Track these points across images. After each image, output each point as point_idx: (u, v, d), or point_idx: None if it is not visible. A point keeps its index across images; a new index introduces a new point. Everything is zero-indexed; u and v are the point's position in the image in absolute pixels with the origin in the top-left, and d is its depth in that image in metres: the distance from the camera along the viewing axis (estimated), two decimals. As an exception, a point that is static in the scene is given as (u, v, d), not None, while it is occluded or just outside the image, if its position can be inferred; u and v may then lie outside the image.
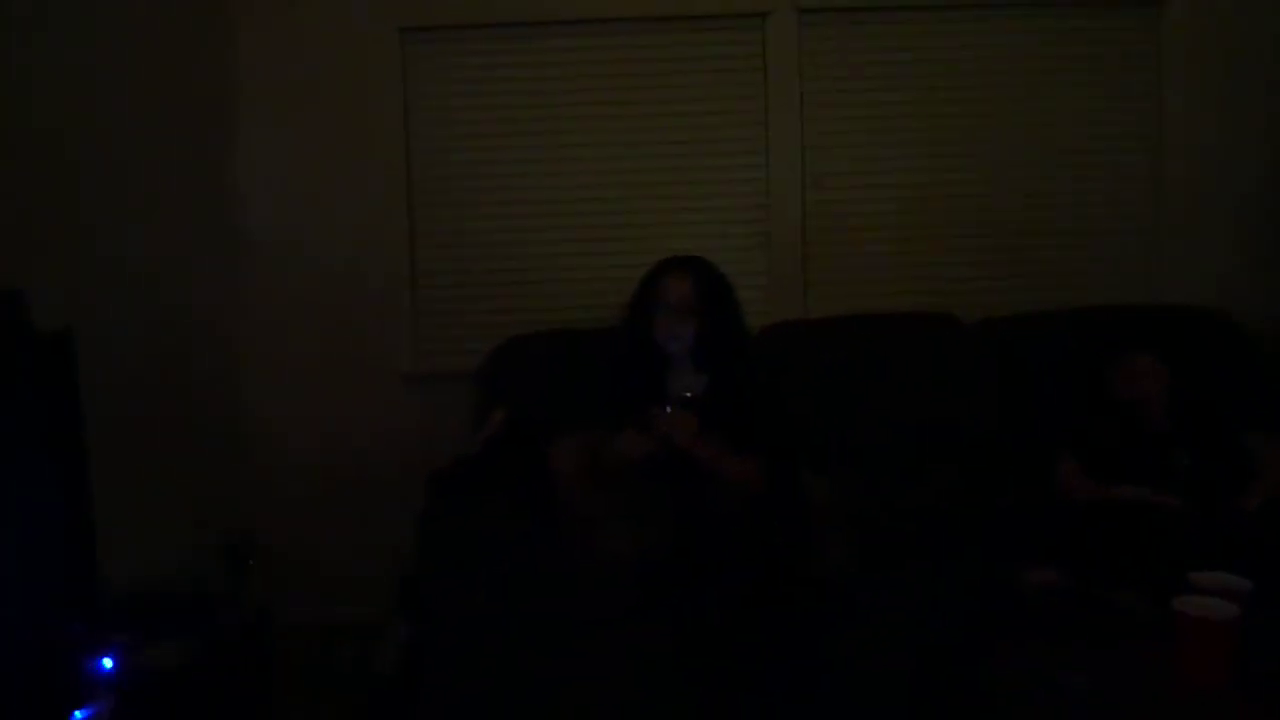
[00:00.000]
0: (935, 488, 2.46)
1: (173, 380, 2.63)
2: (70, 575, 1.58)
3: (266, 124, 2.86)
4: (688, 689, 1.76)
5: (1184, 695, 1.38)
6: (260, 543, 2.63)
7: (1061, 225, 2.92)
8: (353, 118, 2.86)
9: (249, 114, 2.86)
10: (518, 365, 2.66)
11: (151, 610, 1.87)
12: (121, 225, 2.36)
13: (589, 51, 2.87)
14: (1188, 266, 2.84)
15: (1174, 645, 1.40)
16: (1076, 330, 2.66)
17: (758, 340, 2.59)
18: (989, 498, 2.40)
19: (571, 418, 2.34)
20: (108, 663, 1.57)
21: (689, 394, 2.19)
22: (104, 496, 1.76)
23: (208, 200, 2.80)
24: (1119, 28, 2.87)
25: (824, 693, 1.74)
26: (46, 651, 1.42)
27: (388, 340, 2.90)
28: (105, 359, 1.88)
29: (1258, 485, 2.19)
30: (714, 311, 2.25)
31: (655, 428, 2.07)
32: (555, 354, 2.66)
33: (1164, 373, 2.39)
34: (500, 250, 2.91)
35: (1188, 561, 1.64)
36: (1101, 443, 2.40)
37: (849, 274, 2.93)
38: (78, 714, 1.45)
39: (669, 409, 2.08)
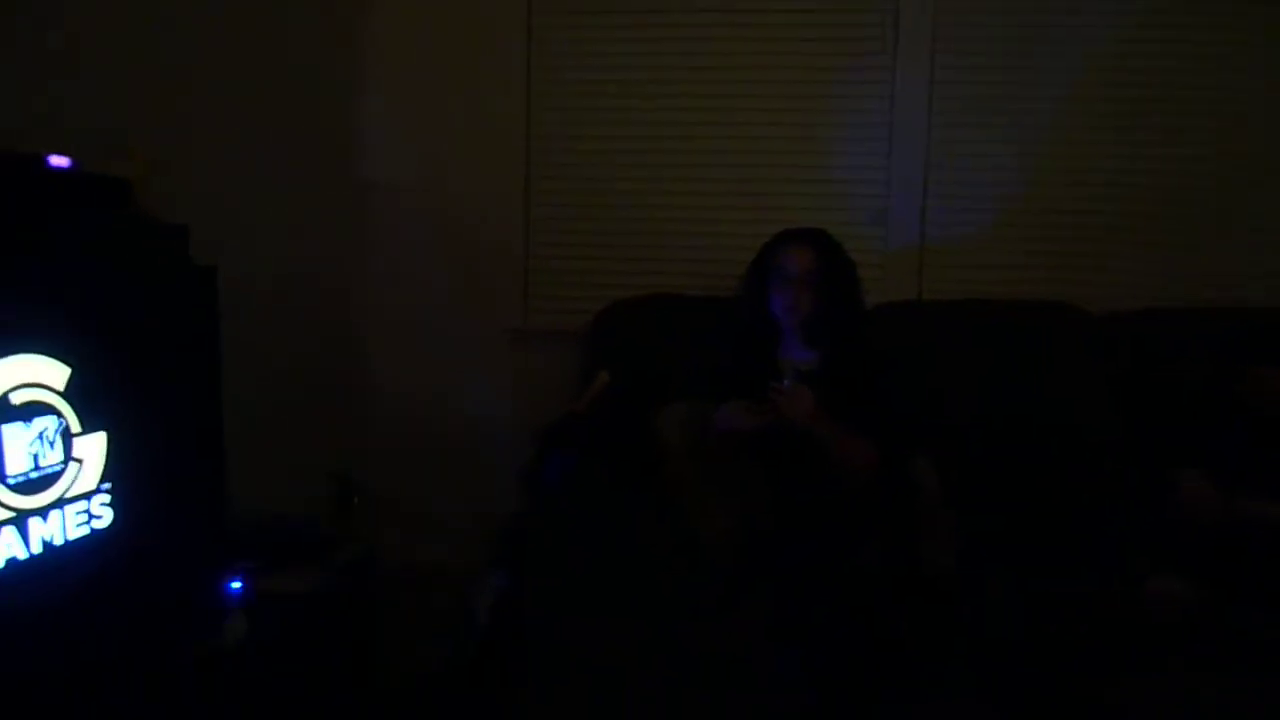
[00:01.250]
0: (1045, 486, 2.38)
1: (295, 323, 2.72)
2: (205, 499, 1.64)
3: (394, 84, 2.90)
4: (785, 677, 1.74)
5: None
6: (367, 485, 2.71)
7: (1208, 218, 2.76)
8: (477, 82, 2.88)
9: (377, 72, 2.90)
10: (624, 328, 2.66)
11: (273, 540, 1.95)
12: (261, 176, 2.43)
13: (711, 27, 2.82)
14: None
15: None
16: (1214, 330, 2.51)
17: (869, 319, 2.54)
18: (1103, 500, 2.31)
19: (677, 385, 2.33)
20: (238, 585, 1.64)
21: (802, 369, 2.15)
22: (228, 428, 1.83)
23: (335, 156, 2.88)
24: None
25: (926, 688, 1.70)
26: (187, 569, 1.49)
27: (500, 296, 2.93)
28: (236, 297, 1.95)
29: None
30: (833, 286, 2.20)
31: (771, 402, 2.03)
32: (661, 318, 2.65)
33: None
34: (615, 213, 2.90)
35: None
36: (1235, 454, 2.27)
37: (969, 257, 2.83)
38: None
39: (786, 383, 2.05)
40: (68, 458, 1.40)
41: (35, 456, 1.34)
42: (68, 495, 1.40)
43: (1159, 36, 2.72)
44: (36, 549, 1.34)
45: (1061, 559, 2.10)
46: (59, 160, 1.21)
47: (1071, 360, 2.55)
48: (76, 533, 1.42)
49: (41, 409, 1.34)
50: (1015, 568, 2.05)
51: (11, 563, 1.29)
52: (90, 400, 1.40)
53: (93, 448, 1.45)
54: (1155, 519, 2.19)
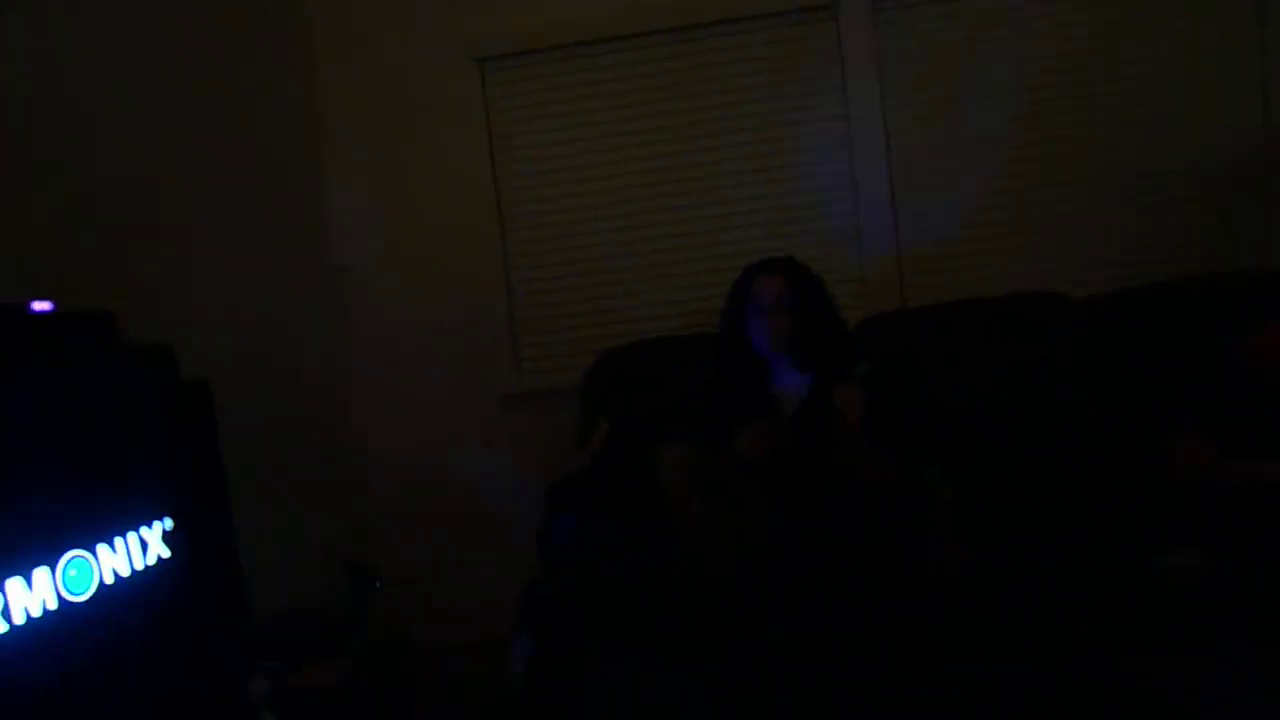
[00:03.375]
0: (1050, 473, 2.39)
1: (291, 418, 2.75)
2: (227, 604, 1.67)
3: (355, 157, 2.97)
4: (799, 696, 1.75)
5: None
6: (381, 566, 2.73)
7: (1168, 194, 2.80)
8: (438, 148, 2.95)
9: (336, 149, 2.97)
10: (617, 377, 2.69)
11: (297, 633, 1.96)
12: (223, 269, 2.46)
13: (664, 61, 2.90)
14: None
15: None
16: (1192, 301, 2.54)
17: (857, 335, 2.57)
18: (1108, 484, 2.32)
19: (675, 427, 2.36)
20: (264, 685, 1.66)
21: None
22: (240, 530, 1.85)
23: (302, 236, 2.92)
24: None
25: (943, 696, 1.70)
26: (215, 673, 1.51)
27: (491, 362, 2.97)
28: (231, 402, 1.98)
29: None
30: (808, 308, 2.24)
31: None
32: (652, 363, 2.68)
33: None
34: (593, 265, 2.95)
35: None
36: (1228, 416, 2.28)
37: (947, 262, 2.87)
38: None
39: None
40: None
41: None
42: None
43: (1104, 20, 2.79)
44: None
45: (1074, 542, 2.10)
46: (40, 305, 1.25)
47: (1060, 346, 2.57)
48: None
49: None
50: (1030, 558, 2.06)
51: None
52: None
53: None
54: (1159, 490, 2.20)
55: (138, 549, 1.46)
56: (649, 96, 2.90)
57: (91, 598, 1.36)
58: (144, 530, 1.49)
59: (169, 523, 1.53)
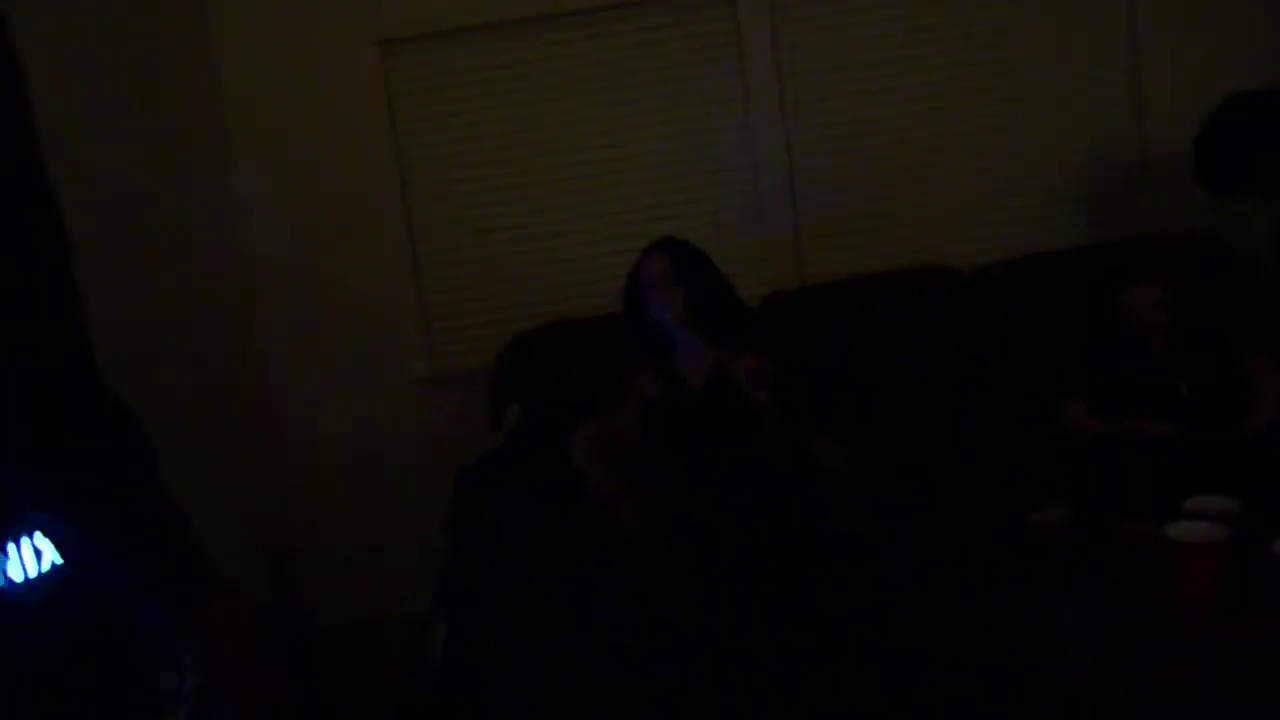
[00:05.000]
0: (943, 442, 2.53)
1: (206, 400, 2.74)
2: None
3: (260, 144, 2.94)
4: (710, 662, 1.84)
5: (1179, 622, 1.44)
6: (305, 552, 2.75)
7: (1047, 169, 2.94)
8: (342, 133, 2.94)
9: (241, 135, 2.94)
10: (528, 360, 2.74)
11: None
12: (138, 264, 2.44)
13: (567, 44, 2.92)
14: (1175, 194, 2.84)
15: (1167, 571, 1.46)
16: (1074, 269, 2.69)
17: (758, 310, 2.67)
18: (996, 444, 2.47)
19: (585, 405, 2.43)
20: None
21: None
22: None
23: (213, 227, 2.89)
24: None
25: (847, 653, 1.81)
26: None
27: (402, 346, 2.99)
28: (140, 389, 1.98)
29: (1259, 405, 2.22)
30: (697, 279, 2.34)
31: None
32: (563, 344, 2.74)
33: (1167, 303, 2.40)
34: (503, 248, 2.99)
35: (1188, 488, 1.69)
36: (1105, 377, 2.44)
37: (843, 239, 2.97)
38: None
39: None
40: None
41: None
42: None
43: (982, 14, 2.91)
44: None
45: (961, 500, 2.24)
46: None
47: (951, 318, 2.71)
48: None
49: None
50: (918, 518, 2.18)
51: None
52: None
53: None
54: (1043, 447, 2.36)
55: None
56: (554, 80, 2.93)
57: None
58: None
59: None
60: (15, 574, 0.81)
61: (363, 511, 2.98)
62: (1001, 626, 1.52)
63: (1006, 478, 2.29)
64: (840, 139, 2.94)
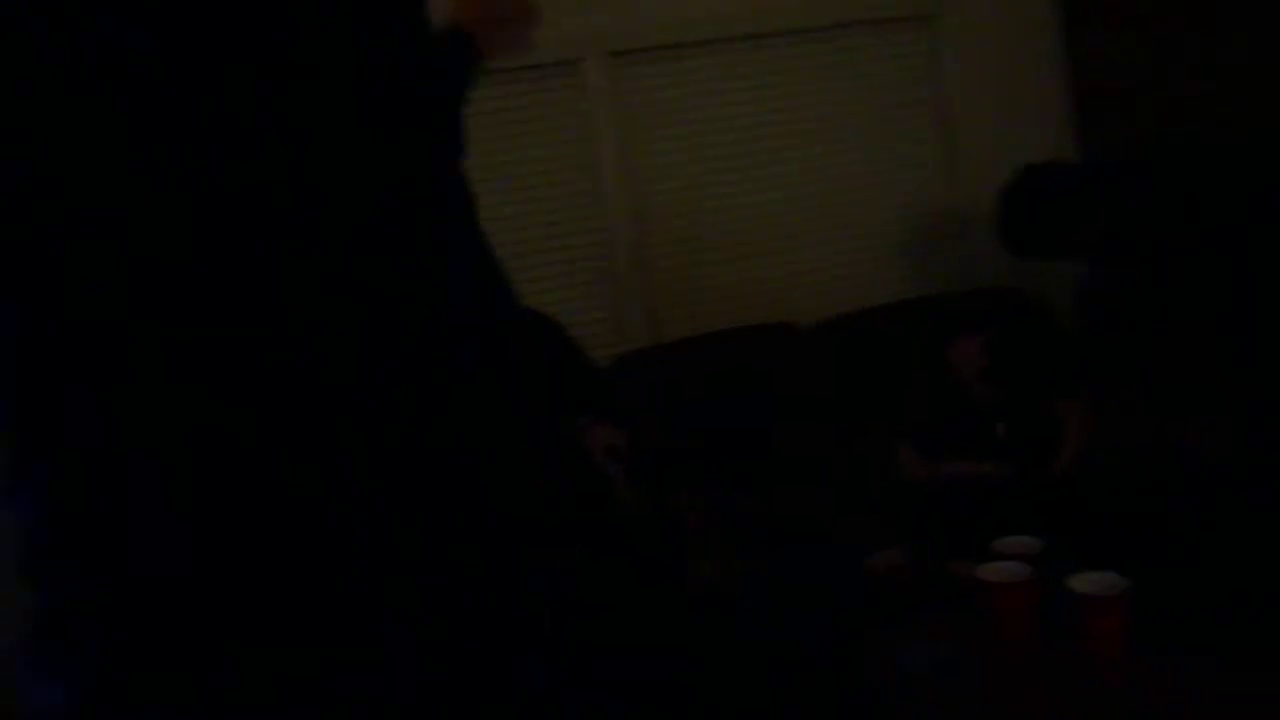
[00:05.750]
0: (790, 495, 2.65)
1: None
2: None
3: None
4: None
5: (1002, 656, 1.56)
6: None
7: (876, 227, 3.17)
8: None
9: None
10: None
11: None
12: None
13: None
14: (989, 250, 3.10)
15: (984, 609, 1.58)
16: (901, 322, 2.89)
17: (611, 372, 2.74)
18: (839, 493, 2.60)
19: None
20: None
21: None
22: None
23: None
24: (895, 44, 3.16)
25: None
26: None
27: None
28: None
29: (1063, 449, 2.45)
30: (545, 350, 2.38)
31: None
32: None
33: (986, 354, 2.61)
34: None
35: (1008, 526, 1.84)
36: (932, 424, 2.63)
37: (697, 297, 3.09)
38: None
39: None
40: None
41: None
42: None
43: (799, 87, 3.13)
44: None
45: (811, 546, 2.35)
46: None
47: (790, 371, 2.85)
48: None
49: None
50: (770, 567, 2.28)
51: None
52: None
53: None
54: (881, 493, 2.51)
55: None
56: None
57: None
58: None
59: None
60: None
61: None
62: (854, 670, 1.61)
63: (849, 524, 2.41)
64: (689, 202, 3.07)
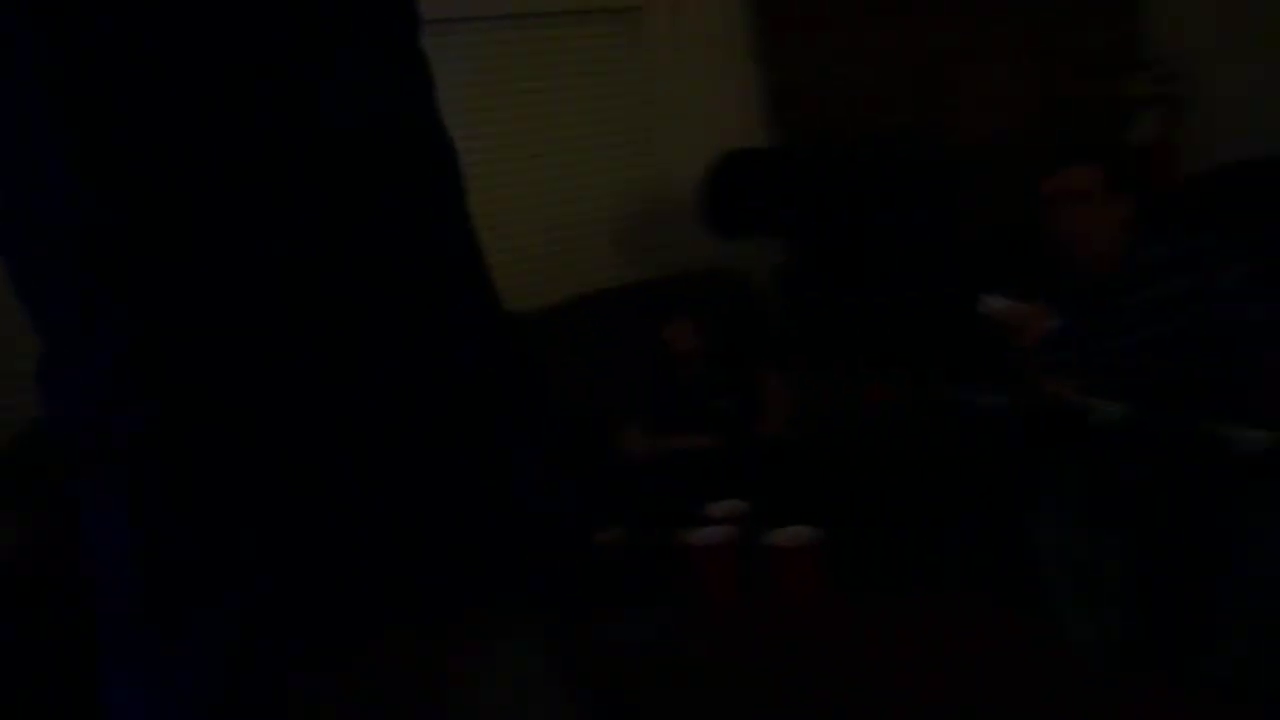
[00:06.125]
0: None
1: None
2: None
3: None
4: None
5: (713, 620, 1.62)
6: None
7: (588, 214, 3.22)
8: None
9: None
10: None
11: None
12: None
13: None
14: (695, 236, 3.24)
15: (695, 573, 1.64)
16: (619, 307, 2.95)
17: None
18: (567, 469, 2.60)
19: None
20: None
21: None
22: None
23: None
24: (602, 34, 3.23)
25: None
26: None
27: None
28: None
29: (767, 415, 2.61)
30: None
31: None
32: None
33: (698, 333, 2.72)
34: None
35: (722, 494, 1.91)
36: (657, 404, 2.70)
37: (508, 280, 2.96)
38: None
39: None
40: None
41: None
42: None
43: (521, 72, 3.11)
44: None
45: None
46: None
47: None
48: None
49: None
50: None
51: None
52: None
53: None
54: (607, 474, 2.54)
55: None
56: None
57: None
58: None
59: None
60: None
61: None
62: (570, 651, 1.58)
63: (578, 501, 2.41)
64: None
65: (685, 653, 1.58)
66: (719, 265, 3.11)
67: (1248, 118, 2.84)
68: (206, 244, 0.54)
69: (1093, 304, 1.92)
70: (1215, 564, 1.62)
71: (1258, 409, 1.64)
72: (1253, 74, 2.89)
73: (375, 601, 0.59)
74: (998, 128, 3.19)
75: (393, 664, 0.61)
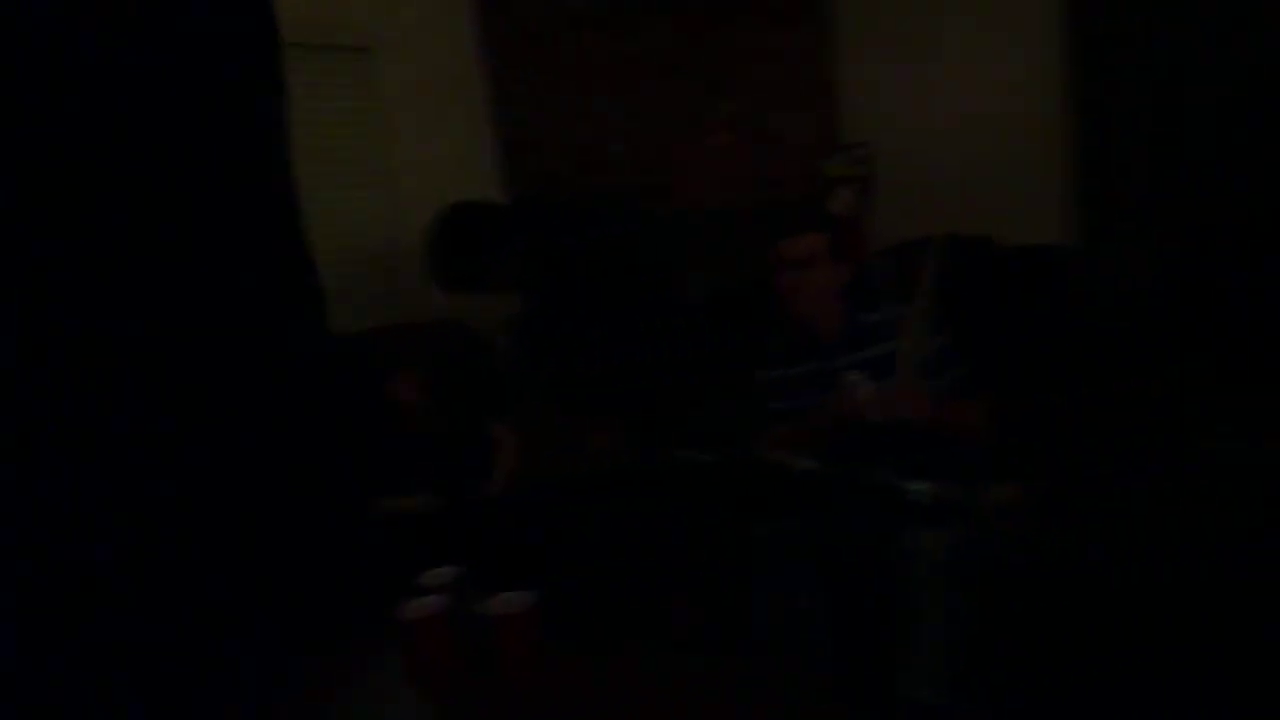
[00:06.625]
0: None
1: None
2: None
3: None
4: None
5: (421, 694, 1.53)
6: None
7: (320, 262, 3.03)
8: None
9: None
10: None
11: None
12: None
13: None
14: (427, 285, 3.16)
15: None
16: (343, 359, 2.78)
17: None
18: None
19: None
20: None
21: None
22: None
23: None
24: (337, 74, 3.11)
25: None
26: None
27: None
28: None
29: (495, 473, 2.56)
30: None
31: None
32: None
33: (424, 386, 2.62)
34: None
35: (441, 557, 1.82)
36: (383, 459, 2.55)
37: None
38: None
39: None
40: None
41: None
42: None
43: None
44: None
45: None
46: None
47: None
48: None
49: None
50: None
51: None
52: None
53: None
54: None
55: None
56: None
57: None
58: None
59: None
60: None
61: None
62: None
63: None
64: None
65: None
66: (448, 316, 3.03)
67: (931, 198, 3.25)
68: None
69: (813, 361, 2.08)
70: (895, 594, 1.79)
71: (925, 464, 1.84)
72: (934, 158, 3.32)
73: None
74: (713, 194, 3.41)
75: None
